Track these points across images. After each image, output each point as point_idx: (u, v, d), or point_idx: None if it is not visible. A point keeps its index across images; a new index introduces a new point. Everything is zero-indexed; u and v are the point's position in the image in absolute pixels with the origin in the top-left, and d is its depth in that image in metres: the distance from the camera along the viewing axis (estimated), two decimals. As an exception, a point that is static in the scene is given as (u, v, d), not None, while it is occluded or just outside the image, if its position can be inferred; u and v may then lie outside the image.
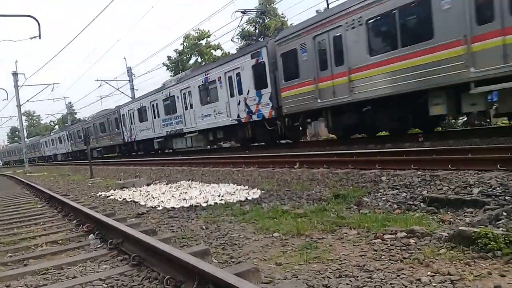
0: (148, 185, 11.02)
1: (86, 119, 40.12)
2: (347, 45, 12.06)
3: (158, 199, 8.01)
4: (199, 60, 41.01)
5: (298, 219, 4.87)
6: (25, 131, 50.16)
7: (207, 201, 7.03)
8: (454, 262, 3.06)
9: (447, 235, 3.53)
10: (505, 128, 12.08)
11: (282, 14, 38.56)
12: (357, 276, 2.97)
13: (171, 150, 24.81)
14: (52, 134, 54.50)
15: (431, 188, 5.49)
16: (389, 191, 5.87)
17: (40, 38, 21.75)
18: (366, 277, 2.93)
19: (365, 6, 11.26)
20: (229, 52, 38.06)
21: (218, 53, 40.55)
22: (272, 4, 36.90)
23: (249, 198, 6.96)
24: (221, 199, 7.08)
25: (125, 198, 8.82)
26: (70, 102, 63.93)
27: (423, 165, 6.87)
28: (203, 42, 40.72)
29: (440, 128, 15.31)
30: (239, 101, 17.02)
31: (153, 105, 24.64)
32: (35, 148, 59.14)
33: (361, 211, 5.10)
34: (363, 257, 3.42)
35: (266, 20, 37.85)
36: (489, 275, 2.77)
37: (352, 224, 4.43)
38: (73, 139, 41.28)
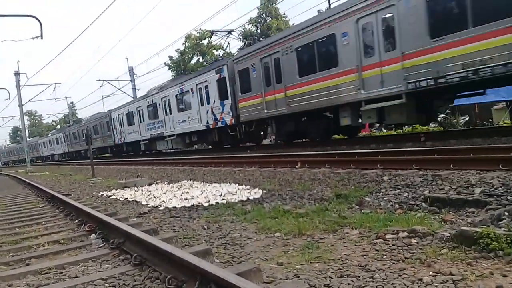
0: (149, 184, 11.03)
1: (82, 121, 43.17)
2: (283, 66, 14.78)
3: (159, 198, 8.03)
4: (201, 60, 41.02)
5: (300, 219, 4.87)
6: (27, 131, 50.42)
7: (208, 201, 7.04)
8: (456, 262, 3.06)
9: (449, 235, 3.52)
10: (507, 128, 12.07)
11: (284, 14, 38.60)
12: (359, 276, 2.97)
13: (156, 151, 27.44)
14: (49, 135, 57.21)
15: (433, 188, 5.48)
16: (391, 191, 5.87)
17: (42, 38, 21.82)
18: (368, 277, 2.93)
19: (294, 37, 14.21)
20: (230, 52, 38.08)
21: (220, 52, 40.55)
22: (274, 4, 36.88)
23: (251, 198, 6.97)
24: (223, 199, 7.09)
25: (126, 198, 8.83)
26: (72, 102, 64.23)
27: (425, 165, 6.86)
28: (205, 42, 40.72)
29: (442, 128, 15.38)
30: (208, 110, 19.51)
31: (139, 110, 27.18)
32: (34, 148, 61.38)
33: (362, 211, 5.10)
34: (364, 257, 3.41)
35: (268, 20, 37.88)
36: (491, 275, 2.76)
37: (353, 224, 4.43)
38: (69, 140, 43.58)
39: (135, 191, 9.84)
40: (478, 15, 8.91)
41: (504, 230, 3.29)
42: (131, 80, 36.88)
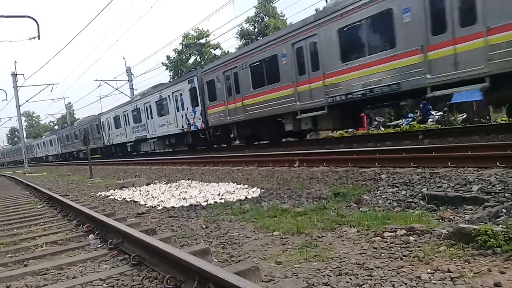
0: (147, 184, 11.03)
1: (74, 124, 45.31)
2: (241, 80, 16.86)
3: (158, 198, 8.02)
4: (198, 59, 41.00)
5: (298, 218, 4.87)
6: (24, 131, 50.51)
7: (207, 200, 7.04)
8: (454, 259, 3.07)
9: (446, 232, 3.53)
10: (504, 125, 12.10)
11: (281, 13, 38.60)
12: (357, 274, 2.98)
13: (142, 152, 29.44)
14: (43, 137, 59.45)
15: (431, 186, 5.49)
16: (388, 189, 5.87)
17: (39, 38, 21.76)
18: (366, 275, 2.94)
19: (249, 55, 16.40)
20: (228, 51, 38.06)
21: (217, 52, 40.55)
22: (271, 3, 36.87)
23: (249, 197, 6.97)
24: (221, 198, 7.09)
25: (124, 198, 8.83)
26: (70, 102, 64.06)
27: (423, 162, 6.86)
28: (203, 41, 40.69)
29: (440, 126, 15.43)
30: (183, 115, 21.51)
31: (125, 114, 29.19)
32: (28, 150, 63.43)
33: (360, 209, 5.11)
34: (363, 255, 3.42)
35: (265, 19, 37.87)
36: (489, 272, 2.77)
37: (352, 222, 4.44)
38: (62, 141, 45.98)
39: (133, 191, 9.84)
40: (372, 46, 11.37)
41: (501, 227, 3.29)
42: (128, 80, 36.79)
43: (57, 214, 7.22)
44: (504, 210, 3.97)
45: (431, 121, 20.29)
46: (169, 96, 22.54)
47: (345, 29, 11.98)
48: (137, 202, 8.10)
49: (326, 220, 4.61)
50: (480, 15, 8.84)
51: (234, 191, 7.68)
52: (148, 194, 8.89)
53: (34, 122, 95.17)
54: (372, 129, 20.98)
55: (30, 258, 4.29)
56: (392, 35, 10.67)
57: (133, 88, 36.53)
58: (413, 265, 3.05)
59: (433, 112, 21.30)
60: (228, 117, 17.92)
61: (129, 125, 28.57)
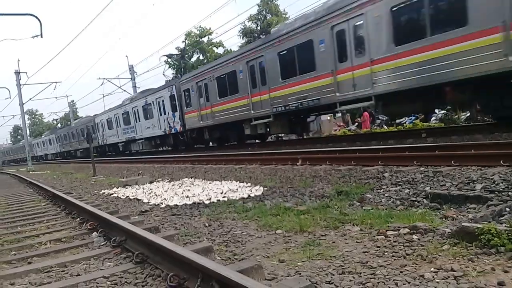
0: (151, 182, 11.05)
1: (71, 124, 48.27)
2: (209, 90, 19.46)
3: (161, 196, 8.04)
4: (201, 57, 40.98)
5: (301, 216, 4.87)
6: (27, 129, 50.95)
7: (210, 199, 7.05)
8: (457, 258, 3.06)
9: (450, 231, 3.52)
10: (508, 123, 12.04)
11: (284, 10, 38.51)
12: (360, 273, 2.98)
13: (133, 151, 31.52)
14: (43, 136, 61.62)
15: (434, 184, 5.48)
16: (392, 187, 5.87)
17: (42, 36, 21.83)
18: (369, 274, 2.94)
19: (215, 69, 19.04)
20: (231, 50, 38.02)
21: (220, 50, 40.53)
22: (274, 1, 36.81)
23: (252, 195, 6.98)
24: (224, 196, 7.09)
25: (128, 196, 8.85)
26: (73, 101, 64.30)
27: (426, 161, 6.84)
28: (205, 39, 40.67)
29: (443, 124, 15.38)
30: (165, 119, 23.97)
31: (116, 117, 31.65)
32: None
33: (364, 207, 5.11)
34: (366, 253, 3.42)
35: (268, 17, 37.80)
36: (493, 271, 2.76)
37: (355, 220, 4.43)
38: (61, 141, 48.50)
39: (137, 189, 9.86)
40: (301, 68, 13.90)
41: (505, 226, 3.28)
42: (131, 78, 36.83)
43: (60, 212, 7.25)
44: (507, 209, 3.96)
45: (434, 120, 20.22)
46: (153, 101, 25.20)
47: (282, 52, 14.66)
48: (140, 200, 8.12)
49: (329, 219, 4.61)
50: (367, 49, 11.47)
51: (237, 189, 7.69)
52: (151, 192, 8.90)
53: (37, 120, 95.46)
54: (375, 127, 20.94)
55: (34, 255, 4.31)
56: (313, 60, 13.23)
57: (135, 86, 36.58)
58: (416, 264, 3.05)
59: (436, 111, 21.22)
60: (201, 122, 20.53)
61: (120, 126, 31.15)
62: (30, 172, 26.93)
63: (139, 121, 27.42)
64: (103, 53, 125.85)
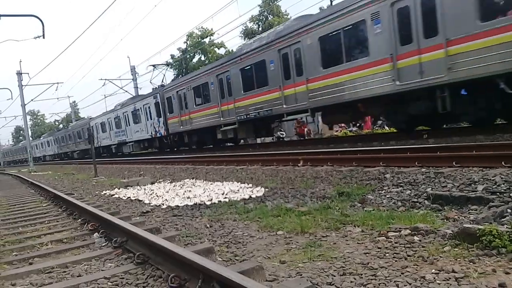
0: (152, 183, 11.06)
1: (69, 127, 50.54)
2: (188, 98, 21.58)
3: (162, 197, 8.04)
4: (203, 58, 40.99)
5: (302, 217, 4.87)
6: (29, 130, 51.16)
7: (211, 199, 7.05)
8: (458, 259, 3.06)
9: (451, 232, 3.52)
10: (509, 125, 12.01)
11: (286, 11, 38.51)
12: (361, 274, 2.97)
13: (126, 153, 33.93)
14: (41, 138, 63.88)
15: (436, 185, 5.47)
16: (393, 188, 5.86)
17: (44, 37, 21.86)
18: (370, 275, 2.93)
19: (191, 80, 21.31)
20: (232, 50, 38.04)
21: (221, 51, 40.52)
22: (275, 2, 36.80)
23: (253, 196, 6.98)
24: (225, 197, 7.10)
25: (129, 197, 8.86)
26: (75, 101, 64.45)
27: (428, 162, 6.84)
28: (207, 40, 40.69)
29: (445, 125, 15.33)
30: (151, 124, 26.15)
31: (109, 121, 33.69)
32: (26, 150, 65.29)
33: (365, 208, 5.10)
34: (367, 254, 3.41)
35: (269, 18, 37.80)
36: (494, 272, 2.76)
37: (356, 221, 4.43)
38: (59, 143, 50.78)
39: (138, 190, 9.87)
40: (257, 82, 16.16)
41: (507, 227, 3.28)
42: (133, 79, 36.85)
43: (62, 212, 7.26)
44: (509, 210, 3.95)
45: None
46: (141, 107, 27.40)
47: (243, 69, 16.92)
48: (141, 201, 8.13)
49: (330, 220, 4.60)
50: (304, 70, 13.71)
51: (238, 190, 7.69)
52: (153, 193, 8.91)
53: (39, 121, 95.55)
54: (376, 128, 20.92)
55: (35, 256, 4.32)
56: (266, 77, 15.52)
57: (137, 87, 36.62)
58: (417, 265, 3.05)
59: None
60: (181, 127, 22.65)
61: (112, 130, 33.29)
62: (32, 173, 26.97)
63: (129, 125, 29.67)
64: (105, 54, 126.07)
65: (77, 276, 3.51)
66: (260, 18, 38.30)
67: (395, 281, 2.76)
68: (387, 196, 5.55)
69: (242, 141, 21.45)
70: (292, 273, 3.15)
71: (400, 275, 2.87)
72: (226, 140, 20.65)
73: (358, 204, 5.37)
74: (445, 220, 4.15)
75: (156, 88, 27.39)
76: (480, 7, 8.77)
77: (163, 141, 25.78)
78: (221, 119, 18.65)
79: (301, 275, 3.08)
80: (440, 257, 3.14)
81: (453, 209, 4.54)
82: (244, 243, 4.17)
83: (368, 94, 11.46)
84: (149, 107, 26.11)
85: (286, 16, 37.78)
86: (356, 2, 11.43)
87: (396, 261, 3.19)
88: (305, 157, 9.72)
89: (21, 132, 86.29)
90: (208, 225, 5.17)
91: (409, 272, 2.92)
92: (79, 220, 6.07)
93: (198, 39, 40.61)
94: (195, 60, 41.81)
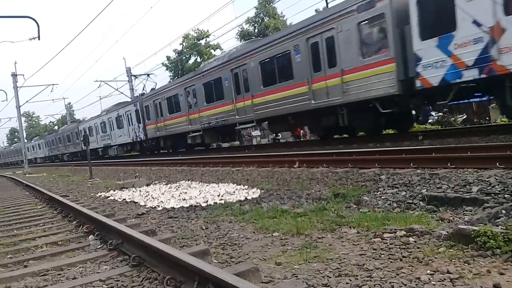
0: (147, 185, 11.02)
1: (58, 131, 53.07)
2: (162, 107, 24.25)
3: (157, 199, 8.02)
4: (199, 60, 40.97)
5: (298, 219, 4.87)
6: (24, 132, 51.08)
7: (206, 201, 7.04)
8: (453, 260, 3.07)
9: (446, 233, 3.53)
10: (504, 126, 12.09)
11: (281, 13, 38.60)
12: (357, 275, 2.98)
13: (110, 155, 35.88)
14: (33, 141, 65.75)
15: (431, 187, 5.50)
16: (388, 190, 5.88)
17: (39, 39, 21.77)
18: (366, 276, 2.94)
19: (166, 91, 24.02)
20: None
21: (217, 52, 40.51)
22: (271, 4, 36.87)
23: (249, 197, 6.97)
24: (221, 199, 7.09)
25: (124, 199, 8.82)
26: (70, 103, 64.17)
27: (423, 163, 6.86)
28: (203, 42, 40.69)
29: (439, 126, 15.43)
30: (132, 129, 28.85)
31: (95, 125, 36.13)
32: (19, 153, 68.21)
33: (360, 210, 5.11)
34: (362, 256, 3.42)
35: (265, 20, 37.87)
36: (488, 273, 2.77)
37: (351, 223, 4.44)
38: (49, 145, 53.16)
39: (133, 192, 9.84)
40: (215, 95, 18.96)
41: (501, 228, 3.30)
42: (128, 81, 36.75)
43: (57, 214, 7.23)
44: (503, 211, 3.97)
45: (430, 122, 20.29)
46: (123, 114, 29.97)
47: (205, 83, 19.64)
48: (137, 203, 8.11)
49: (326, 221, 4.61)
50: (250, 87, 16.45)
51: (234, 192, 7.68)
52: (148, 194, 8.89)
53: (34, 122, 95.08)
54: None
55: (30, 258, 4.30)
56: (222, 91, 18.26)
57: (133, 89, 36.51)
58: (412, 266, 3.06)
59: (433, 113, 21.30)
60: (157, 132, 25.23)
61: (99, 134, 35.61)
62: (27, 175, 26.86)
63: (113, 130, 32.33)
64: (101, 55, 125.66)
65: (72, 279, 3.49)
66: (256, 20, 38.39)
67: (390, 282, 2.77)
68: (383, 197, 5.56)
69: (214, 145, 24.90)
70: (288, 275, 3.15)
71: (395, 276, 2.88)
72: (195, 145, 22.98)
73: (353, 206, 5.38)
74: (440, 221, 4.16)
75: (137, 96, 30.71)
76: (362, 46, 11.70)
77: (143, 144, 28.74)
78: (190, 126, 21.39)
79: (296, 276, 3.09)
80: (435, 258, 3.15)
81: (448, 210, 4.56)
82: (240, 245, 4.17)
83: (294, 110, 14.36)
84: (130, 114, 28.77)
85: (282, 18, 37.90)
86: (284, 36, 14.67)
87: (391, 262, 3.20)
88: (301, 158, 9.74)
89: (16, 133, 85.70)
90: (203, 227, 5.16)
91: (404, 273, 2.93)
92: (74, 222, 6.04)
93: (194, 40, 40.61)
94: (191, 61, 41.79)
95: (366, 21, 11.44)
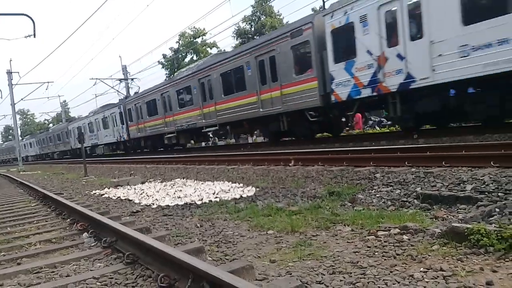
0: (142, 183, 11.00)
1: (49, 130, 54.60)
2: (142, 110, 26.42)
3: (152, 197, 8.01)
4: (195, 58, 40.86)
5: (293, 217, 4.88)
6: (19, 129, 51.00)
7: (201, 199, 7.04)
8: (446, 258, 3.08)
9: (440, 231, 3.55)
10: (498, 125, 12.15)
11: (278, 12, 38.54)
12: (351, 273, 2.99)
13: (95, 154, 37.88)
14: (24, 140, 66.57)
15: (425, 185, 5.52)
16: (383, 188, 5.90)
17: (35, 36, 21.60)
18: (360, 274, 2.95)
19: (145, 96, 26.24)
20: (224, 50, 37.98)
21: (214, 51, 40.45)
22: (268, 2, 36.82)
23: (244, 195, 6.98)
24: (216, 197, 7.09)
25: (119, 196, 8.80)
26: (65, 101, 64.06)
27: (417, 162, 6.88)
28: (199, 40, 40.59)
29: (434, 125, 15.46)
30: (117, 130, 30.90)
31: (83, 125, 37.68)
32: (10, 151, 70.27)
33: (355, 208, 5.13)
34: (356, 253, 3.43)
35: (262, 18, 37.81)
36: (481, 270, 2.79)
37: (346, 221, 4.45)
38: (40, 144, 54.84)
39: (128, 189, 9.81)
40: (186, 102, 21.47)
41: (494, 226, 3.31)
42: (124, 79, 36.61)
43: (51, 212, 7.19)
44: (497, 210, 3.99)
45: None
46: (109, 115, 31.90)
47: (178, 90, 22.03)
48: (131, 200, 8.09)
49: (320, 219, 4.62)
50: (214, 95, 18.69)
51: (229, 190, 7.68)
52: (143, 192, 8.87)
53: (29, 120, 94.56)
54: (367, 128, 21.03)
55: (24, 256, 4.28)
56: (192, 98, 20.55)
57: (129, 87, 36.41)
58: (406, 264, 3.07)
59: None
60: (138, 133, 27.56)
61: (87, 133, 36.39)
62: (21, 173, 26.71)
63: (100, 130, 34.28)
64: (97, 53, 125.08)
65: (66, 276, 3.48)
66: (253, 19, 38.29)
67: (384, 280, 2.78)
68: (377, 195, 5.58)
69: (189, 145, 26.59)
70: (282, 272, 3.15)
71: (389, 274, 2.89)
72: (171, 145, 25.06)
73: (348, 204, 5.39)
74: (434, 219, 4.18)
75: (121, 99, 32.68)
76: (295, 66, 14.10)
77: (126, 144, 30.74)
78: (165, 128, 23.70)
79: (291, 274, 3.09)
80: (429, 255, 3.16)
81: (442, 209, 4.58)
82: (235, 243, 4.16)
83: (247, 116, 16.63)
84: (115, 116, 30.83)
85: (278, 17, 37.85)
86: (239, 53, 17.07)
87: (385, 259, 3.21)
88: (296, 157, 9.74)
89: (11, 131, 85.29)
90: (198, 225, 5.16)
91: (398, 270, 2.94)
92: (68, 220, 6.01)
93: (190, 39, 40.48)
94: (187, 59, 41.67)
95: (297, 46, 13.96)
